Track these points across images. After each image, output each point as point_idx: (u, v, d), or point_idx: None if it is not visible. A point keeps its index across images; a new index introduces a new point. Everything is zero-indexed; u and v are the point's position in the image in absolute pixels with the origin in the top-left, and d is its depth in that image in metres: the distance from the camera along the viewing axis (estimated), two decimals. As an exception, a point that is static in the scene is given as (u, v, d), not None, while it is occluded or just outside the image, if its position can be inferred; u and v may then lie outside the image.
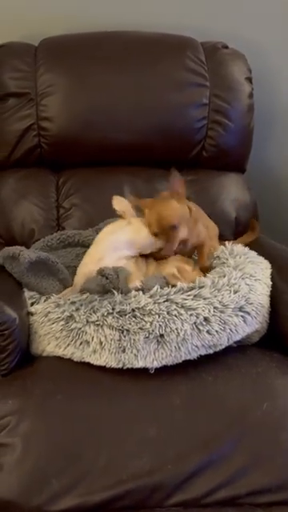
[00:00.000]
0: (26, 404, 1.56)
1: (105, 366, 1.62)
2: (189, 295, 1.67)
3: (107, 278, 1.75)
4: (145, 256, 1.91)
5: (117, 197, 1.91)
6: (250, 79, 2.35)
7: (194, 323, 1.62)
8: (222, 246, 2.00)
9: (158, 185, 2.27)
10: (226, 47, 2.37)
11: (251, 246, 2.03)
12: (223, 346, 1.69)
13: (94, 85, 2.24)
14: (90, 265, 1.84)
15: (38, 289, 1.82)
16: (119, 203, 1.90)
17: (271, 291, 1.84)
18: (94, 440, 1.51)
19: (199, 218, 1.96)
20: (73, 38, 2.32)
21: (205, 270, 1.90)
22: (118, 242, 1.86)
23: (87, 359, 1.64)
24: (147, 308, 1.62)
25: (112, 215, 2.14)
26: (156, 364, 1.61)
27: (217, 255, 1.96)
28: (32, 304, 1.78)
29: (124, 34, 2.33)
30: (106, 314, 1.64)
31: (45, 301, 1.77)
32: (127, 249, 1.86)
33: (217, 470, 1.51)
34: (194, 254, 2.01)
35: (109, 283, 1.74)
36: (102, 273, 1.77)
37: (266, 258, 1.94)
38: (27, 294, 1.81)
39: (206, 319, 1.64)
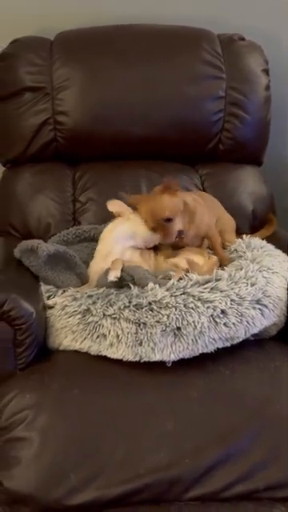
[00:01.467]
0: (43, 398, 1.56)
1: (121, 360, 1.62)
2: (205, 288, 1.66)
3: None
4: (153, 249, 1.92)
5: (111, 200, 1.94)
6: (266, 71, 2.34)
7: (211, 316, 1.62)
8: (239, 239, 1.99)
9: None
10: (243, 39, 2.36)
11: (268, 238, 2.01)
12: (240, 339, 1.68)
13: (109, 78, 2.23)
14: (100, 263, 1.85)
15: (56, 282, 1.83)
16: (114, 205, 1.93)
17: (289, 284, 1.83)
18: (112, 434, 1.51)
19: (200, 210, 1.95)
20: (88, 31, 2.32)
21: (223, 262, 1.89)
22: (120, 234, 1.88)
23: (104, 353, 1.64)
24: (164, 301, 1.62)
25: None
26: (173, 357, 1.61)
27: (234, 248, 1.95)
28: (49, 298, 1.78)
29: (140, 27, 2.32)
30: (122, 307, 1.64)
31: (61, 294, 1.78)
32: (131, 238, 1.88)
33: (235, 464, 1.50)
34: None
35: (120, 279, 1.74)
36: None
37: (283, 251, 1.93)
38: (44, 287, 1.81)
39: (222, 312, 1.63)
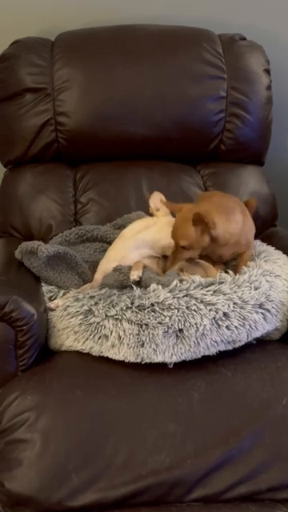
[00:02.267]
0: (45, 399, 1.56)
1: (123, 361, 1.62)
2: (208, 290, 1.66)
3: (125, 275, 1.75)
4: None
5: (155, 193, 1.92)
6: (268, 71, 2.33)
7: (214, 318, 1.62)
8: None
9: (175, 179, 2.26)
10: (244, 39, 2.36)
11: (270, 239, 2.01)
12: (242, 343, 1.68)
13: (110, 79, 2.23)
14: (112, 262, 1.84)
15: (57, 283, 1.83)
16: (155, 200, 1.91)
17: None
18: (113, 435, 1.51)
19: (246, 229, 1.86)
20: (89, 32, 2.32)
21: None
22: (141, 240, 1.86)
23: (106, 353, 1.64)
24: (166, 302, 1.62)
25: (129, 210, 2.14)
26: (175, 359, 1.61)
27: None
28: (50, 298, 1.78)
29: (140, 28, 2.32)
30: (124, 308, 1.64)
31: (63, 295, 1.78)
32: (149, 248, 1.86)
33: (237, 466, 1.50)
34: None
35: (127, 279, 1.74)
36: (118, 270, 1.77)
37: (284, 251, 1.94)
38: (45, 288, 1.82)
39: (225, 314, 1.63)
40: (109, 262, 1.85)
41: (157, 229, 1.87)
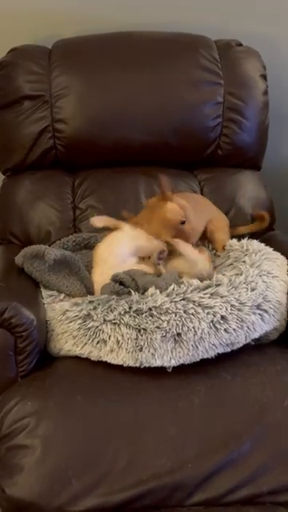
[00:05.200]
0: (45, 405, 1.56)
1: (122, 365, 1.62)
2: (205, 293, 1.66)
3: (121, 283, 1.75)
4: None
5: (95, 217, 1.97)
6: (264, 76, 2.34)
7: (211, 321, 1.62)
8: (234, 242, 2.00)
9: (173, 184, 2.26)
10: (240, 45, 2.37)
11: (268, 243, 2.02)
12: (241, 344, 1.68)
13: (107, 86, 2.24)
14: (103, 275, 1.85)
15: (59, 287, 1.84)
16: (100, 221, 1.94)
17: (289, 288, 1.83)
18: (114, 440, 1.51)
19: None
20: (86, 39, 2.33)
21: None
22: (123, 254, 1.88)
23: (104, 358, 1.65)
24: (164, 307, 1.62)
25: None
26: (173, 363, 1.61)
27: (232, 250, 1.96)
28: (50, 303, 1.78)
29: (137, 35, 2.33)
30: (122, 312, 1.64)
31: (62, 300, 1.79)
32: (133, 255, 1.89)
33: (237, 469, 1.50)
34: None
35: (123, 288, 1.74)
36: (115, 279, 1.78)
37: (282, 254, 1.94)
38: (45, 293, 1.82)
39: (223, 317, 1.63)
40: (99, 286, 1.85)
41: (130, 236, 1.89)
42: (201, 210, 2.11)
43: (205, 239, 2.12)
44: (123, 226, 1.93)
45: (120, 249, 1.89)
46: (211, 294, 1.66)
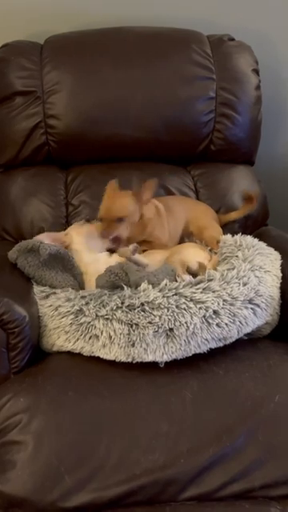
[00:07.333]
0: (37, 401, 1.56)
1: (114, 361, 1.62)
2: (198, 288, 1.67)
3: (116, 275, 1.75)
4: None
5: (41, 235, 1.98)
6: (256, 71, 2.34)
7: (204, 316, 1.62)
8: (228, 237, 2.00)
9: (166, 180, 2.27)
10: (232, 39, 2.37)
11: (262, 238, 2.02)
12: (233, 339, 1.68)
13: (99, 81, 2.23)
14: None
15: (52, 282, 1.83)
16: (48, 238, 1.94)
17: (281, 283, 1.83)
18: (106, 436, 1.51)
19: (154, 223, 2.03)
20: (78, 35, 2.32)
21: None
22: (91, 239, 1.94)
23: (97, 353, 1.65)
24: (156, 302, 1.62)
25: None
26: (166, 358, 1.61)
27: (225, 246, 1.96)
28: (42, 298, 1.78)
29: (129, 30, 2.32)
30: (115, 308, 1.64)
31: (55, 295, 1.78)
32: (106, 255, 1.92)
33: (230, 464, 1.50)
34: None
35: (118, 279, 1.74)
36: (110, 270, 1.77)
37: (276, 249, 1.94)
38: (37, 288, 1.82)
39: (215, 312, 1.63)
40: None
41: (80, 239, 1.94)
42: (178, 211, 2.13)
43: (197, 239, 2.11)
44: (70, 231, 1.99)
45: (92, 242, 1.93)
46: (203, 289, 1.66)
